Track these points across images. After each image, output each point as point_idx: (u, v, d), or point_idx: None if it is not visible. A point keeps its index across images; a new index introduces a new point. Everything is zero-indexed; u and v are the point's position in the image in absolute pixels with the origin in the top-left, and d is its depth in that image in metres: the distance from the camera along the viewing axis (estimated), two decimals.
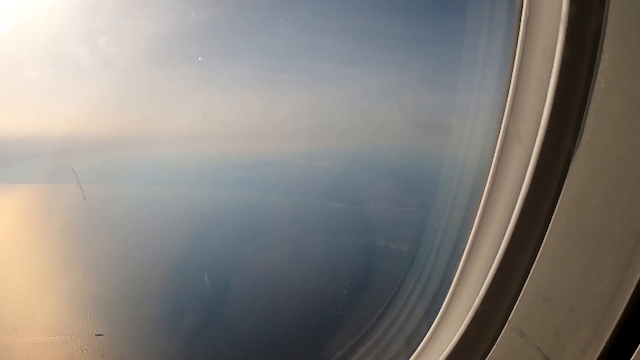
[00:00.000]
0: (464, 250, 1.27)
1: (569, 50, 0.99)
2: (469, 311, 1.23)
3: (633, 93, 0.92)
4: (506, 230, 1.14)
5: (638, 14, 0.89)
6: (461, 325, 1.25)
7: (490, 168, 1.18)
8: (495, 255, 1.18)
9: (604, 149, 0.97)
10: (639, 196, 0.95)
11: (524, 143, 1.11)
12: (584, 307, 1.05)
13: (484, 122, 1.28)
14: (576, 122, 1.01)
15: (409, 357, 1.49)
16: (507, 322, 1.19)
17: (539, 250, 1.10)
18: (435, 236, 1.66)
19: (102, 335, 2.82)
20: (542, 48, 1.06)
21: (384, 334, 1.85)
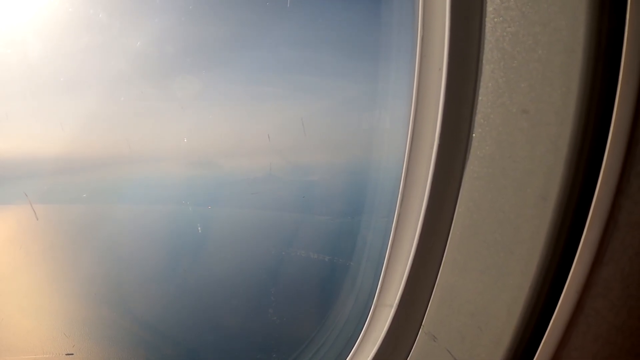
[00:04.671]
0: (384, 258, 1.31)
1: (455, 68, 1.05)
2: (387, 319, 1.28)
3: (509, 104, 0.98)
4: (414, 237, 1.19)
5: (505, 36, 0.96)
6: (382, 332, 1.29)
7: (401, 179, 1.24)
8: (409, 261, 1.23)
9: (489, 159, 1.03)
10: (522, 205, 1.00)
11: (427, 157, 1.17)
12: (484, 313, 1.09)
13: (396, 135, 1.35)
14: (467, 134, 1.07)
15: None
16: (421, 326, 1.23)
17: (443, 256, 1.15)
18: (355, 245, 1.71)
19: (72, 354, 2.85)
20: (438, 66, 1.12)
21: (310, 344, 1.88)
